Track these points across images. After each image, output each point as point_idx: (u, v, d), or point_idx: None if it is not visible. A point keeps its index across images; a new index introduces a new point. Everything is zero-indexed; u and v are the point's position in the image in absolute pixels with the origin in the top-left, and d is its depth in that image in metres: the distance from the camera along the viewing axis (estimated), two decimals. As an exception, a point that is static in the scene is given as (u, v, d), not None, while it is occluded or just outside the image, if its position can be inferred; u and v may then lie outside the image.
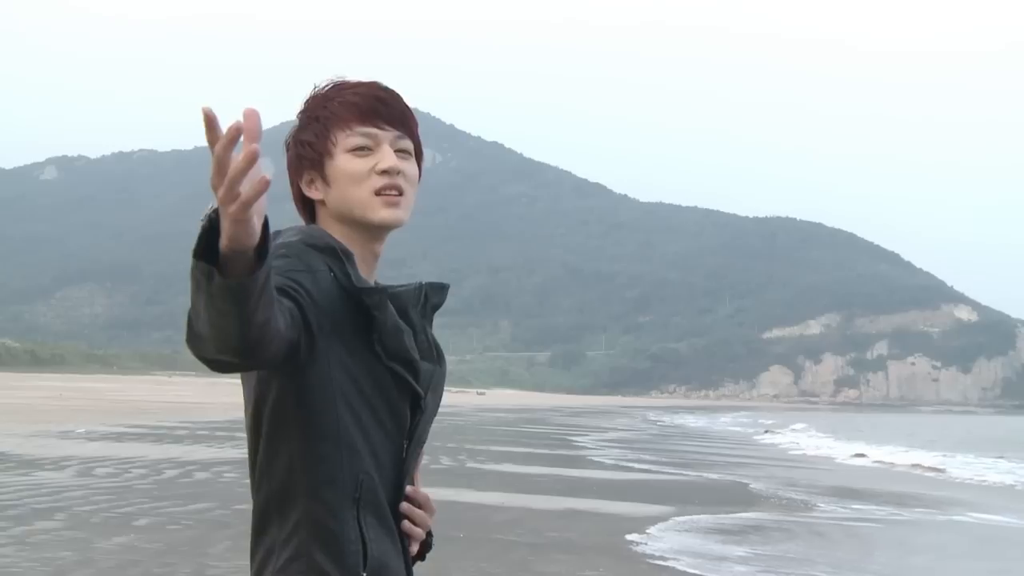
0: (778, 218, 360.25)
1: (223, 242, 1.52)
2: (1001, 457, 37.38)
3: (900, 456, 35.71)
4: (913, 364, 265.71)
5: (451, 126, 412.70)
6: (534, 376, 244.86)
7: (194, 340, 1.65)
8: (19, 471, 15.02)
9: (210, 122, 1.46)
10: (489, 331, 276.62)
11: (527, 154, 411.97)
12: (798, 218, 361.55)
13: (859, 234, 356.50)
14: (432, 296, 2.07)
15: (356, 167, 1.94)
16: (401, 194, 1.96)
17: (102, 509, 11.44)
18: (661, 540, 11.88)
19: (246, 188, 1.47)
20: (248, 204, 1.48)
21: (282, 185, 2.02)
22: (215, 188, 1.48)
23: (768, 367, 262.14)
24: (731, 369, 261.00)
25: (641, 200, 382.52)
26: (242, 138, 1.48)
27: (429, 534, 2.09)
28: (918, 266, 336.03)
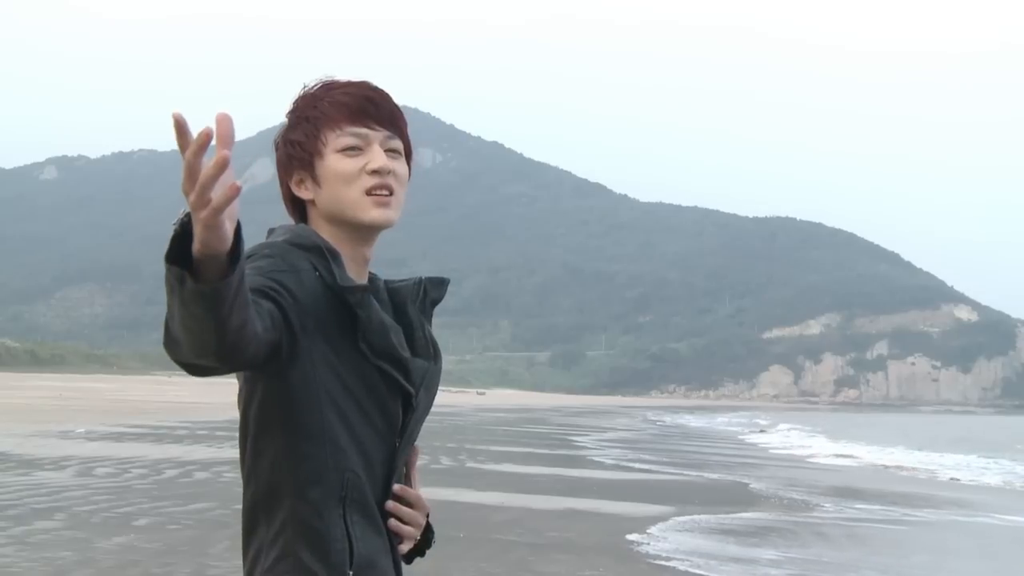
0: (778, 218, 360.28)
1: (195, 246, 1.52)
2: (990, 457, 37.47)
3: (880, 456, 35.95)
4: (913, 364, 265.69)
5: (451, 126, 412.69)
6: (534, 376, 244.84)
7: (171, 344, 1.65)
8: (19, 471, 15.01)
9: (180, 128, 1.46)
10: (489, 331, 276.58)
11: (527, 154, 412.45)
12: (798, 218, 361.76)
13: (859, 234, 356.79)
14: (431, 291, 2.08)
15: (346, 167, 1.94)
16: (391, 194, 1.96)
17: (102, 509, 11.43)
18: (661, 540, 11.87)
19: (217, 194, 1.47)
20: (219, 210, 1.48)
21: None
22: (186, 193, 1.49)
23: (768, 367, 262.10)
24: (731, 369, 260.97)
25: (641, 200, 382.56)
26: (214, 143, 1.48)
27: (429, 531, 2.08)
28: (918, 266, 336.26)
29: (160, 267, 1.52)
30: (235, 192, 1.49)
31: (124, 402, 43.59)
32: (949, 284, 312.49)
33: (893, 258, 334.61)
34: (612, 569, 9.85)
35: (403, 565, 2.06)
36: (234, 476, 15.26)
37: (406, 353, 1.95)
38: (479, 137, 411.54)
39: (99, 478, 14.56)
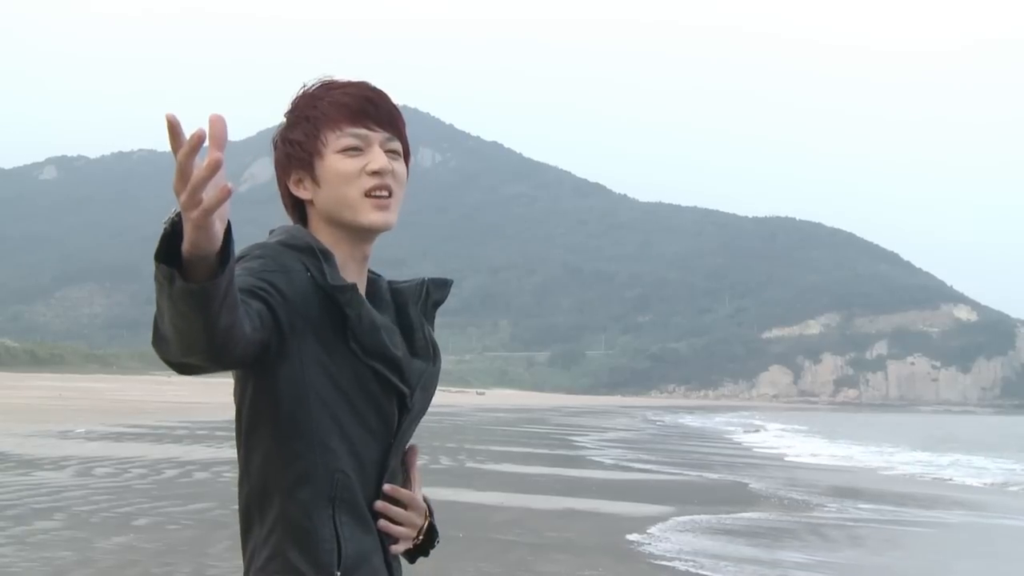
0: (778, 218, 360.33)
1: (185, 246, 1.54)
2: (990, 457, 37.50)
3: (865, 455, 36.13)
4: (912, 364, 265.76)
5: (451, 126, 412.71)
6: (533, 376, 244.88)
7: (159, 343, 1.66)
8: (18, 471, 15.01)
9: (173, 129, 1.48)
10: (488, 331, 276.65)
11: (527, 154, 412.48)
12: (798, 218, 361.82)
13: (858, 234, 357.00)
14: (434, 293, 2.09)
15: (346, 167, 1.94)
16: (390, 195, 1.97)
17: (101, 509, 11.43)
18: (661, 540, 11.87)
19: (209, 195, 1.49)
20: (210, 211, 1.50)
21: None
22: (177, 194, 1.50)
23: (768, 367, 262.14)
24: (731, 369, 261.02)
25: (641, 200, 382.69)
26: (207, 144, 1.49)
27: (433, 531, 2.08)
28: (918, 266, 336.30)
29: (157, 268, 1.56)
30: (226, 194, 1.51)
31: (123, 402, 43.60)
32: (949, 284, 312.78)
33: (892, 258, 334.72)
34: (612, 569, 9.84)
35: (402, 567, 2.06)
36: (233, 476, 15.16)
37: (399, 352, 1.94)
38: (479, 137, 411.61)
39: (99, 478, 14.56)
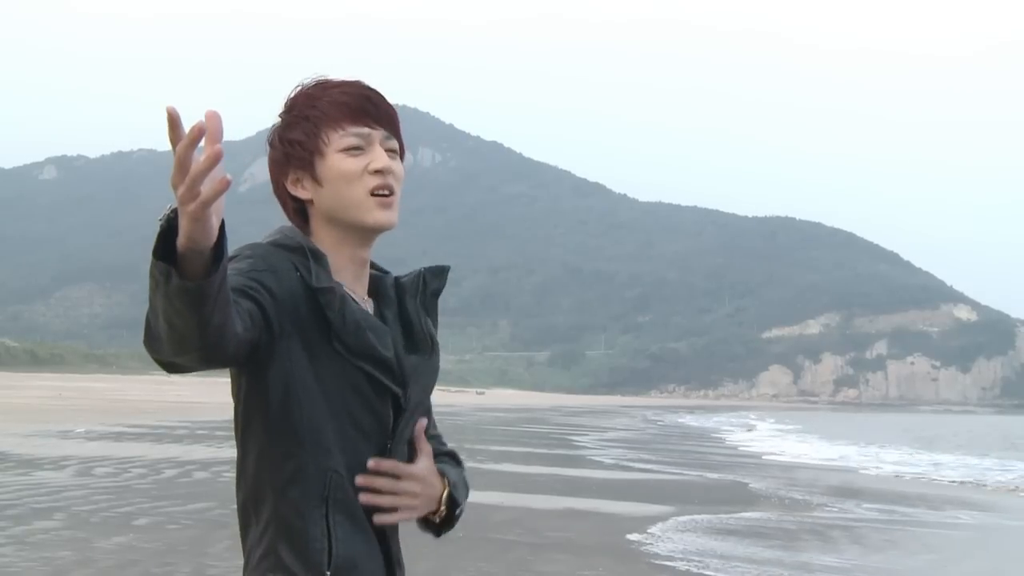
0: (778, 218, 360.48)
1: (180, 240, 1.55)
2: (989, 456, 37.52)
3: (851, 454, 36.23)
4: (912, 364, 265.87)
5: (451, 126, 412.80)
6: (533, 376, 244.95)
7: (151, 341, 1.67)
8: (18, 471, 15.00)
9: (173, 121, 1.49)
10: (488, 331, 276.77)
11: (526, 154, 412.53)
12: (798, 218, 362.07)
13: (858, 234, 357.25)
14: (431, 282, 2.08)
15: (350, 167, 1.94)
16: (392, 194, 1.97)
17: (101, 509, 11.42)
18: (661, 540, 11.86)
19: (206, 188, 1.50)
20: (208, 203, 1.51)
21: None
22: (175, 187, 1.51)
23: (768, 367, 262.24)
24: (730, 369, 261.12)
25: (641, 200, 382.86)
26: (203, 139, 1.50)
27: (452, 501, 2.06)
28: (917, 266, 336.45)
29: (156, 267, 1.56)
30: (224, 186, 1.52)
31: (123, 402, 43.58)
32: (948, 284, 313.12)
33: (892, 258, 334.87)
34: (612, 569, 9.83)
35: (405, 568, 2.03)
36: (234, 476, 15.19)
37: (389, 353, 1.93)
38: (478, 137, 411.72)
39: (98, 478, 14.55)
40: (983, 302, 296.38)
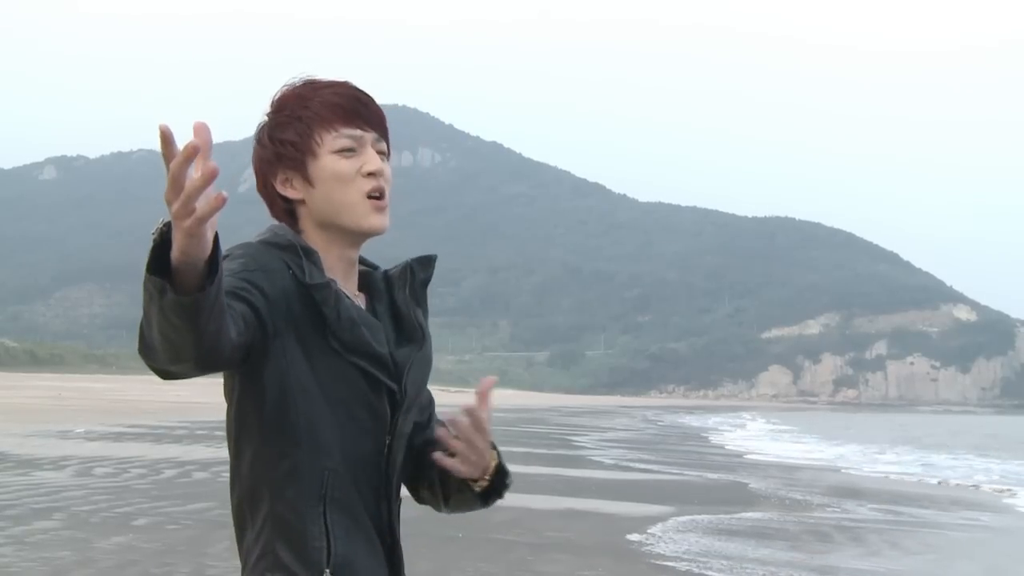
0: (777, 218, 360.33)
1: (174, 254, 1.54)
2: (988, 457, 37.53)
3: (828, 452, 36.40)
4: (912, 364, 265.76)
5: (450, 126, 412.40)
6: (533, 376, 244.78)
7: (146, 351, 1.67)
8: (18, 471, 15.01)
9: (166, 139, 1.49)
10: (488, 331, 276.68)
11: (526, 154, 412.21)
12: (797, 218, 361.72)
13: (858, 234, 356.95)
14: (419, 272, 2.07)
15: (343, 168, 1.94)
16: (384, 197, 1.97)
17: (101, 509, 11.42)
18: (662, 540, 11.86)
19: (202, 204, 1.50)
20: (203, 220, 1.51)
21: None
22: (169, 203, 1.50)
23: (767, 367, 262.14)
24: (730, 369, 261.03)
25: (640, 200, 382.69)
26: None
27: (502, 470, 2.04)
28: (917, 266, 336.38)
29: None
30: (221, 203, 1.51)
31: (123, 402, 43.59)
32: (948, 284, 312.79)
33: (892, 258, 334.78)
34: (612, 569, 9.83)
35: (405, 566, 2.02)
36: (233, 476, 15.23)
37: (383, 348, 1.93)
38: (478, 137, 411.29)
39: (98, 478, 14.56)
40: (983, 302, 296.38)
